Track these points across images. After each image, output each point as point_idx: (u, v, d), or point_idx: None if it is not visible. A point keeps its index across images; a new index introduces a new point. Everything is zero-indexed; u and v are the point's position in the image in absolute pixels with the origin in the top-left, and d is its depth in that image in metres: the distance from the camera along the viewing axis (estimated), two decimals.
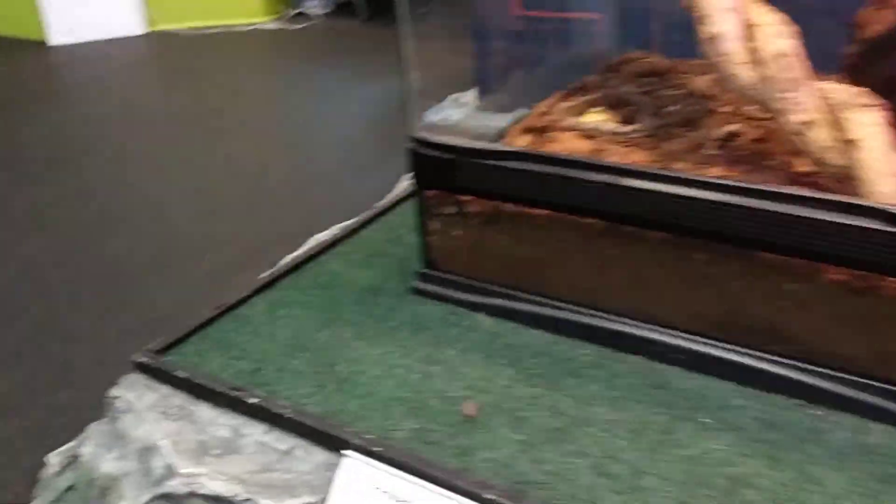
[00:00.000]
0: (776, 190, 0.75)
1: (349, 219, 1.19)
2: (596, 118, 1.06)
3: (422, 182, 0.94)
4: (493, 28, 1.71)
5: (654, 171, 0.80)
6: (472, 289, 0.95)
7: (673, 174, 0.79)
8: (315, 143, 3.41)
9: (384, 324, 0.95)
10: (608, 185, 0.81)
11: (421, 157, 0.91)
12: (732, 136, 0.95)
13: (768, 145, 0.92)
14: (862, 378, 0.76)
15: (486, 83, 1.81)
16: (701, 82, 1.03)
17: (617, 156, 0.94)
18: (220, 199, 2.82)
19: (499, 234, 0.92)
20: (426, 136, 0.90)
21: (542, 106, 1.07)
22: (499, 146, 0.88)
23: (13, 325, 2.16)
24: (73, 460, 0.91)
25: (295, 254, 1.13)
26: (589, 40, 1.47)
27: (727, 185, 0.77)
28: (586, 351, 0.88)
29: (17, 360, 2.02)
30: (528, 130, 1.06)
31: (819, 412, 0.77)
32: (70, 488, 0.88)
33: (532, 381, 0.84)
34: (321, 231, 1.23)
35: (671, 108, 1.02)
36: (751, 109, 0.99)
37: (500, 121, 1.02)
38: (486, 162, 0.87)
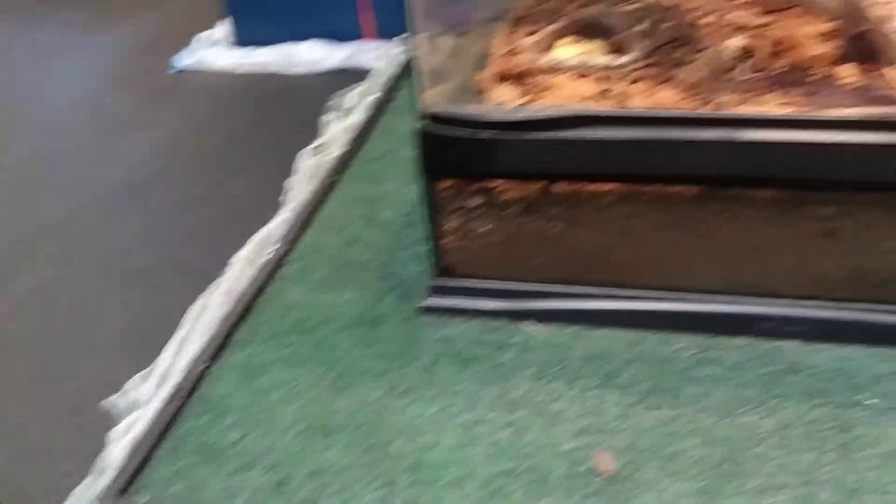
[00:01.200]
0: None
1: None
2: (572, 51, 0.87)
3: (437, 170, 0.70)
4: None
5: (775, 118, 0.64)
6: (511, 294, 0.75)
7: (797, 117, 0.64)
8: (54, 109, 2.83)
9: (414, 365, 0.72)
10: (716, 141, 0.63)
11: (438, 140, 0.67)
12: (746, 52, 0.82)
13: (794, 56, 0.79)
14: None
15: (239, 13, 1.53)
16: None
17: (639, 96, 0.76)
18: None
19: (547, 222, 0.71)
20: (448, 111, 0.66)
21: (499, 45, 0.86)
22: (559, 111, 0.66)
23: None
24: None
25: (226, 283, 0.84)
26: None
27: (866, 122, 0.63)
28: (680, 345, 0.72)
29: None
30: (504, 78, 0.85)
31: None
32: None
33: (648, 401, 0.66)
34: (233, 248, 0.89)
35: (644, 28, 0.86)
36: (733, 17, 0.87)
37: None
38: (542, 135, 0.65)
